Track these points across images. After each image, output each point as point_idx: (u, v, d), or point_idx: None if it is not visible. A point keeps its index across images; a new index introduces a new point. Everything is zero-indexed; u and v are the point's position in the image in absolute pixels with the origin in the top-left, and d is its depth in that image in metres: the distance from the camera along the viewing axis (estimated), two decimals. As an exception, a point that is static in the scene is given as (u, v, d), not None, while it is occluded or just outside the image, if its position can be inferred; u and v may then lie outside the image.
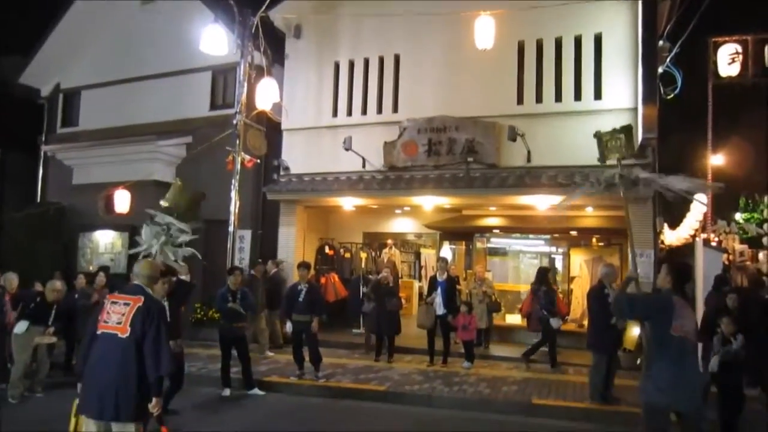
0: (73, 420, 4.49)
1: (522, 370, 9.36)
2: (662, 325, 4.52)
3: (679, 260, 6.47)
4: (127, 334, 4.11)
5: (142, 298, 4.26)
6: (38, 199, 15.57)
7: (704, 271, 8.92)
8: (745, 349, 6.33)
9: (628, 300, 4.93)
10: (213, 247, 11.87)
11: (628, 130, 6.05)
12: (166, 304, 6.33)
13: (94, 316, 4.32)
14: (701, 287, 8.82)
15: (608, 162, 6.15)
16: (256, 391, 8.08)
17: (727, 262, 14.60)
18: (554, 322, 9.41)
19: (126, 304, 4.22)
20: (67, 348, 8.99)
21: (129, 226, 13.75)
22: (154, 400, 4.14)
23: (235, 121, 11.07)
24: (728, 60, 12.31)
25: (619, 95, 10.26)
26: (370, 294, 10.87)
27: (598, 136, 6.24)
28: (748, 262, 14.54)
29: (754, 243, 15.61)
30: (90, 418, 4.14)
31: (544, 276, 9.98)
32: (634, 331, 9.01)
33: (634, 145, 6.26)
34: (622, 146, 5.98)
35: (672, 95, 11.81)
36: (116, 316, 4.18)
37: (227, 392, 8.00)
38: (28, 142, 15.82)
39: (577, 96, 10.71)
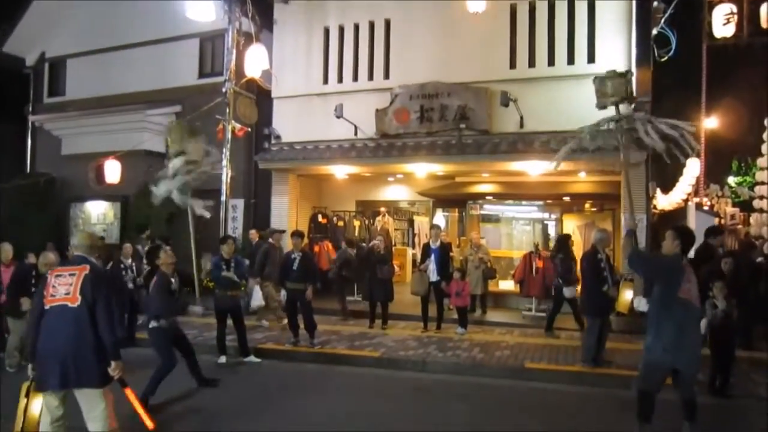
0: (23, 401, 4.43)
1: (515, 335, 9.45)
2: (671, 287, 4.61)
3: (681, 225, 6.52)
4: (78, 303, 4.13)
5: (88, 267, 4.28)
6: (27, 170, 15.43)
7: (696, 235, 8.94)
8: (737, 310, 6.41)
9: (638, 256, 5.01)
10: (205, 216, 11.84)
11: (624, 75, 6.19)
12: (177, 280, 6.63)
13: (38, 292, 4.29)
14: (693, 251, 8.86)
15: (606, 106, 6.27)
16: (252, 358, 8.12)
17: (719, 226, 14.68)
18: (567, 291, 9.32)
19: (72, 275, 4.23)
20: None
21: (121, 196, 13.65)
22: (113, 363, 4.17)
23: (224, 89, 10.93)
24: (723, 20, 12.16)
25: (613, 58, 10.13)
26: (336, 261, 11.10)
27: (596, 80, 6.31)
28: (739, 226, 14.64)
29: (746, 206, 15.66)
30: (52, 392, 4.14)
31: (564, 243, 9.93)
32: (627, 294, 9.08)
33: (631, 90, 6.33)
34: (619, 89, 6.06)
35: (666, 57, 11.66)
36: (63, 288, 4.18)
37: (223, 359, 8.05)
38: (15, 113, 15.60)
39: (570, 60, 10.59)
